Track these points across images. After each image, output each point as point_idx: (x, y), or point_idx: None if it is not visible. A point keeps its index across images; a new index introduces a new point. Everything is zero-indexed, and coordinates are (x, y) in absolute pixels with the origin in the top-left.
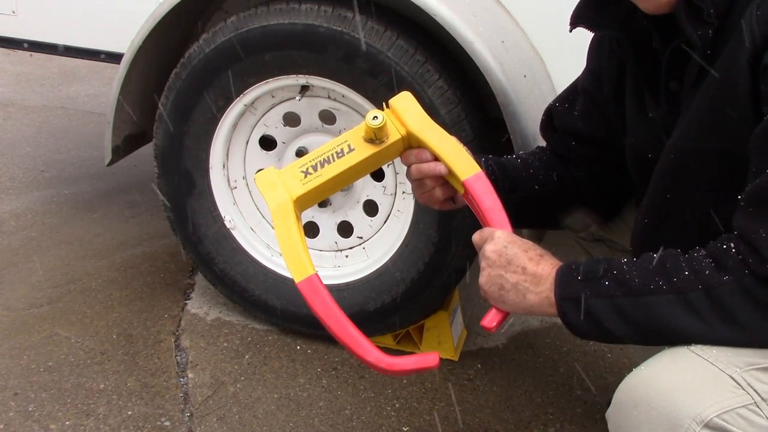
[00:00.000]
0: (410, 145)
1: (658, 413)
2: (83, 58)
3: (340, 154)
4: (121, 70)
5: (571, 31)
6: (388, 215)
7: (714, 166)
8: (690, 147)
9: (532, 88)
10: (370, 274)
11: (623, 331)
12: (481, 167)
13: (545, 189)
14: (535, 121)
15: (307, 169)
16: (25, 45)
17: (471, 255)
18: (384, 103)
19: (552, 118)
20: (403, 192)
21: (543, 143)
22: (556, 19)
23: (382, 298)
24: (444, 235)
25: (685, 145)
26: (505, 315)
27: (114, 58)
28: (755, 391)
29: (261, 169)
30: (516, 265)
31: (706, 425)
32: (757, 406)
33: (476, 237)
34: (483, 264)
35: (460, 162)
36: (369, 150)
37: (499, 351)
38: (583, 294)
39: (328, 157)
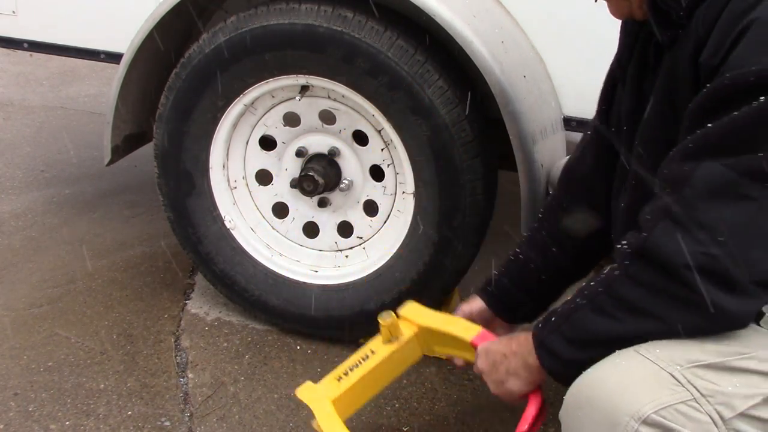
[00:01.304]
0: (426, 340)
1: (600, 413)
2: (83, 58)
3: (365, 359)
4: (120, 70)
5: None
6: (388, 215)
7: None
8: (648, 136)
9: (532, 88)
10: (370, 274)
11: (572, 354)
12: (484, 300)
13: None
14: (534, 121)
15: (340, 375)
16: (25, 45)
17: (471, 255)
18: (394, 313)
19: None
20: (403, 192)
21: (543, 143)
22: (556, 19)
23: (382, 298)
24: (444, 235)
25: (644, 134)
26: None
27: (114, 58)
28: (695, 387)
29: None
30: (499, 359)
31: (644, 422)
32: (697, 402)
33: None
34: (485, 379)
35: (462, 329)
36: (388, 349)
37: None
38: (543, 336)
39: (356, 362)
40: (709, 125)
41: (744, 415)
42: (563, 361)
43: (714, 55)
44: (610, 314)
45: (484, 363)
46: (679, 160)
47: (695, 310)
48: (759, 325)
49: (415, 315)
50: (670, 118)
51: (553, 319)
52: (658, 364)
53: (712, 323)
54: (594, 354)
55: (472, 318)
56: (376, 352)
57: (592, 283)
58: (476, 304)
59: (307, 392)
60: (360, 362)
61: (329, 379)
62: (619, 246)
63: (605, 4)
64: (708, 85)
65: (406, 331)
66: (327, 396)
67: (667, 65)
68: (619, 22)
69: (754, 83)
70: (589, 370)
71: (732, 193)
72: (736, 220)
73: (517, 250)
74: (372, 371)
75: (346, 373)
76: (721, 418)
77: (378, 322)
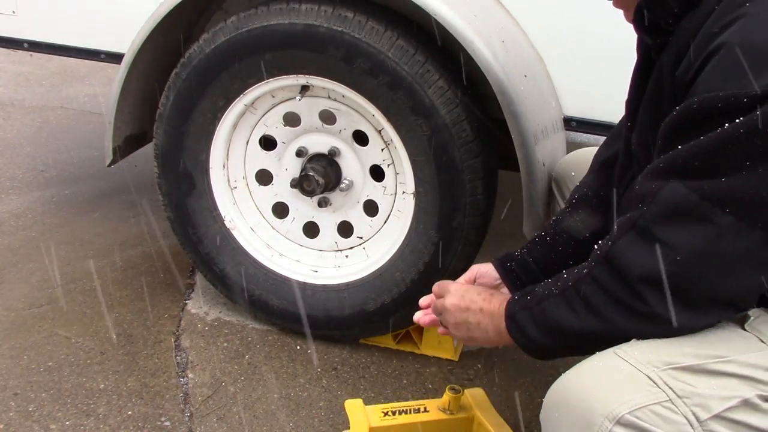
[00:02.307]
0: (471, 427)
1: (575, 413)
2: (83, 58)
3: (416, 411)
4: (121, 70)
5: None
6: (388, 215)
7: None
8: (638, 142)
9: (533, 87)
10: (370, 274)
11: (538, 337)
12: (501, 273)
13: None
14: (535, 120)
15: (389, 411)
16: (25, 45)
17: (471, 255)
18: (461, 389)
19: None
20: (403, 192)
21: (544, 142)
22: (557, 19)
23: (382, 298)
24: (444, 235)
25: (637, 139)
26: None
27: (114, 58)
28: (671, 388)
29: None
30: (474, 308)
31: (618, 422)
32: (673, 403)
33: (435, 288)
34: (447, 314)
35: None
36: (440, 416)
37: (499, 351)
38: (515, 310)
39: (407, 409)
40: (679, 147)
41: (720, 417)
42: (529, 339)
43: (686, 72)
44: (574, 309)
45: (456, 302)
46: (649, 177)
47: (646, 321)
48: (743, 328)
49: (477, 402)
50: (654, 123)
51: (528, 297)
52: (634, 365)
53: (661, 335)
54: (556, 341)
55: (479, 279)
56: (429, 411)
57: (565, 275)
58: (489, 271)
59: (354, 408)
60: (410, 411)
61: (377, 409)
62: (595, 246)
63: (610, 4)
64: (677, 107)
65: (463, 413)
66: (368, 421)
67: (656, 72)
68: (616, 23)
69: (719, 109)
70: (568, 371)
71: (693, 215)
72: (694, 241)
73: (543, 233)
74: (415, 425)
75: (393, 413)
76: (697, 419)
77: (446, 389)
